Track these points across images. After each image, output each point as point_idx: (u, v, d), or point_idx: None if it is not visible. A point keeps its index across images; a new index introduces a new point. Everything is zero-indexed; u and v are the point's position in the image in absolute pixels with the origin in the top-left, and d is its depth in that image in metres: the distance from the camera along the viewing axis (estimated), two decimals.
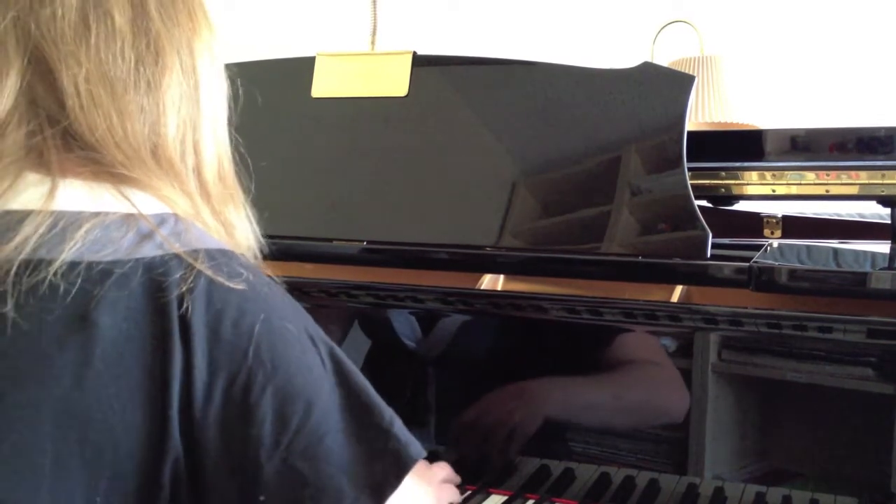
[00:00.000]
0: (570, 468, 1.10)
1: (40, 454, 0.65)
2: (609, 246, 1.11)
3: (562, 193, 1.17)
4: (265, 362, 0.69)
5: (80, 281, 0.67)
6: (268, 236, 1.26)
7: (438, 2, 3.07)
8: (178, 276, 0.68)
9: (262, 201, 1.30)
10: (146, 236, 0.70)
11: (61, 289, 0.67)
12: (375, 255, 1.21)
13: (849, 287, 0.99)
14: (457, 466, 1.14)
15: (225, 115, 0.84)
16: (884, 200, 1.16)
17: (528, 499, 1.11)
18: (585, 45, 2.83)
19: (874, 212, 1.26)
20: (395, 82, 1.26)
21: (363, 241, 1.21)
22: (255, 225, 0.84)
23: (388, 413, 0.74)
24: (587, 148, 1.17)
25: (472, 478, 1.14)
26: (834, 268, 1.01)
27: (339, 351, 0.75)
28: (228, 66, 1.45)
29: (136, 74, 0.75)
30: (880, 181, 1.14)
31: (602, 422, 1.11)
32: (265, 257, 1.28)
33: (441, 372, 1.17)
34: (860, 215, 1.41)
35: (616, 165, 1.15)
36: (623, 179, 1.14)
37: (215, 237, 0.76)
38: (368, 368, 1.21)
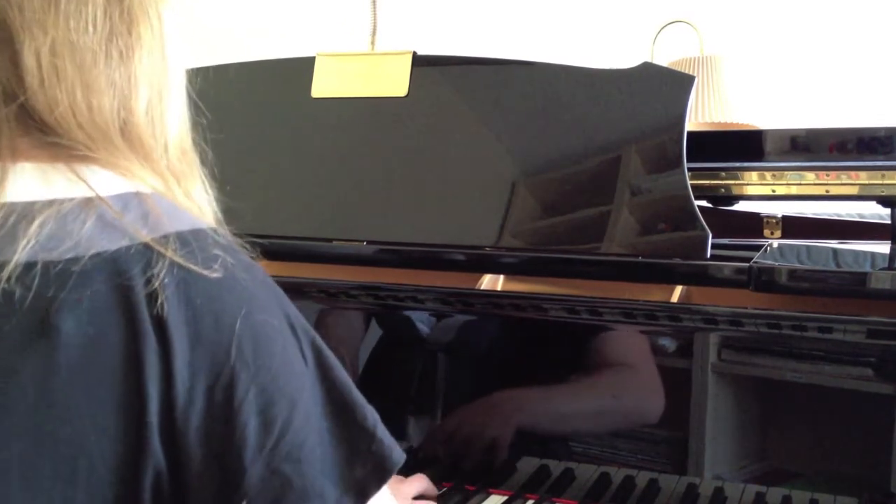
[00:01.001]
0: (570, 468, 1.10)
1: (5, 472, 0.61)
2: (609, 246, 1.11)
3: (562, 193, 1.17)
4: (248, 362, 0.65)
5: (36, 284, 0.62)
6: (268, 236, 1.26)
7: (438, 2, 3.07)
8: (146, 270, 0.63)
9: (263, 201, 1.30)
10: (108, 224, 0.65)
11: (17, 294, 0.61)
12: (375, 256, 1.21)
13: (849, 287, 0.99)
14: (456, 467, 1.14)
15: (184, 83, 0.77)
16: (884, 201, 1.16)
17: (527, 499, 1.11)
18: (585, 45, 2.83)
19: (874, 212, 1.26)
20: (395, 82, 1.26)
21: (363, 241, 1.21)
22: (213, 200, 0.77)
23: (372, 413, 0.71)
24: (587, 148, 1.17)
25: (472, 478, 1.14)
26: (834, 268, 1.01)
27: (320, 341, 0.71)
28: (229, 67, 1.46)
29: (108, 45, 0.69)
30: (880, 181, 1.14)
31: (600, 424, 1.11)
32: (266, 257, 1.29)
33: (440, 372, 1.17)
34: (860, 215, 1.41)
35: (616, 165, 1.15)
36: (623, 179, 1.14)
37: (187, 213, 0.70)
38: (368, 368, 1.21)
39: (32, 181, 0.66)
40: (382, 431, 0.70)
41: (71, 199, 0.65)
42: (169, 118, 0.74)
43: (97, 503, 0.63)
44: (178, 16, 0.75)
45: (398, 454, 0.70)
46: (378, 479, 0.69)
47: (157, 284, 0.63)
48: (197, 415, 0.63)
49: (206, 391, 0.64)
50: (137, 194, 0.68)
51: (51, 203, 0.65)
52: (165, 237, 0.65)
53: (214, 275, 0.65)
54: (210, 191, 0.76)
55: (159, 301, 0.62)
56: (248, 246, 0.72)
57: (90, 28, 0.69)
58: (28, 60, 0.67)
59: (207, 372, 0.64)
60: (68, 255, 0.63)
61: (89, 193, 0.66)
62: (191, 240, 0.66)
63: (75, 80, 0.68)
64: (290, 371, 0.67)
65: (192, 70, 1.46)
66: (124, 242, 0.64)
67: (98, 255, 0.63)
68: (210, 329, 0.64)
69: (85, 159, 0.68)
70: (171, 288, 0.63)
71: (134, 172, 0.69)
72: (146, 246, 0.64)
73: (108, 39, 0.70)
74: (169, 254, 0.64)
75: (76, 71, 0.68)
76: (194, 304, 0.64)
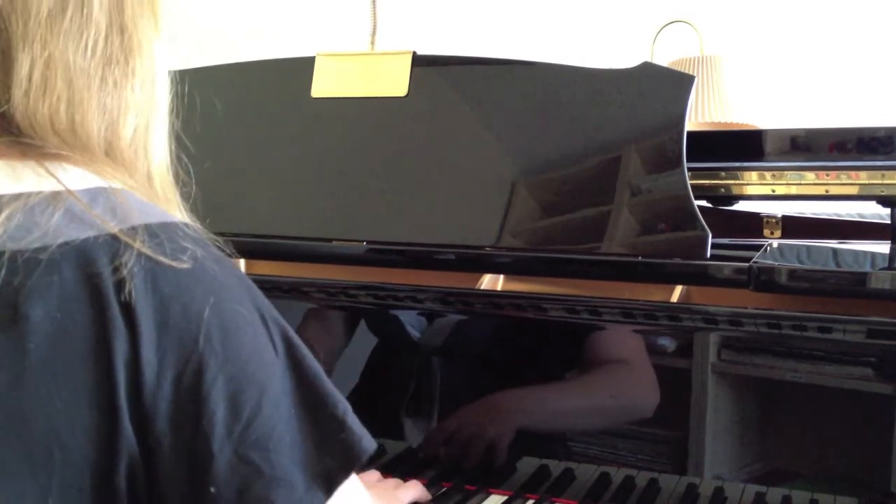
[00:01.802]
0: (570, 468, 1.10)
1: None
2: (609, 246, 1.11)
3: (562, 193, 1.17)
4: (216, 349, 0.65)
5: (3, 273, 0.62)
6: (268, 236, 1.26)
7: (438, 2, 3.07)
8: (114, 258, 0.64)
9: (263, 201, 1.30)
10: (76, 216, 0.65)
11: None
12: (375, 256, 1.21)
13: (849, 287, 0.99)
14: (456, 467, 1.14)
15: (167, 118, 0.79)
16: (884, 200, 1.16)
17: (527, 499, 1.11)
18: (585, 45, 2.83)
19: (874, 212, 1.26)
20: (395, 82, 1.26)
21: (363, 241, 1.21)
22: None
23: (342, 403, 0.71)
24: (587, 148, 1.17)
25: (471, 478, 1.14)
26: (834, 268, 1.01)
27: (291, 332, 0.71)
28: (228, 67, 1.46)
29: (104, 70, 0.71)
30: (880, 181, 1.14)
31: (598, 421, 1.11)
32: (266, 258, 1.29)
33: (440, 372, 1.17)
34: (860, 215, 1.41)
35: (616, 165, 1.15)
36: (623, 179, 1.14)
37: (158, 207, 0.71)
38: (368, 368, 1.21)
39: (1, 176, 0.67)
40: (353, 420, 0.70)
41: (38, 193, 0.66)
42: (153, 149, 0.75)
43: (72, 490, 0.63)
44: (165, 52, 0.77)
45: (368, 442, 0.71)
46: (347, 466, 0.69)
47: (124, 273, 0.63)
48: (165, 401, 0.64)
49: (174, 378, 0.64)
50: (108, 189, 0.68)
51: (18, 196, 0.65)
52: (134, 228, 0.65)
53: (183, 265, 0.66)
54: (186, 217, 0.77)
55: (126, 289, 0.63)
56: (220, 242, 0.72)
57: (89, 51, 0.70)
58: (20, 71, 0.68)
59: (176, 359, 0.64)
60: (36, 245, 0.63)
61: (58, 187, 0.66)
62: (159, 232, 0.67)
63: (62, 96, 0.69)
64: (259, 360, 0.68)
65: (193, 70, 1.47)
66: (92, 233, 0.65)
67: (66, 244, 0.64)
68: (178, 316, 0.65)
69: (57, 157, 0.68)
70: (139, 277, 0.64)
71: (108, 173, 0.70)
72: (114, 237, 0.65)
73: (105, 65, 0.71)
74: (137, 245, 0.64)
75: (65, 87, 0.69)
76: (162, 293, 0.64)
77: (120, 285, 0.63)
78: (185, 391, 0.64)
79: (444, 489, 1.13)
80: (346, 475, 0.69)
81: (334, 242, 1.23)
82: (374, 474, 1.11)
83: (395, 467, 1.17)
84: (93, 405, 0.63)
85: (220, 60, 1.40)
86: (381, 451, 1.18)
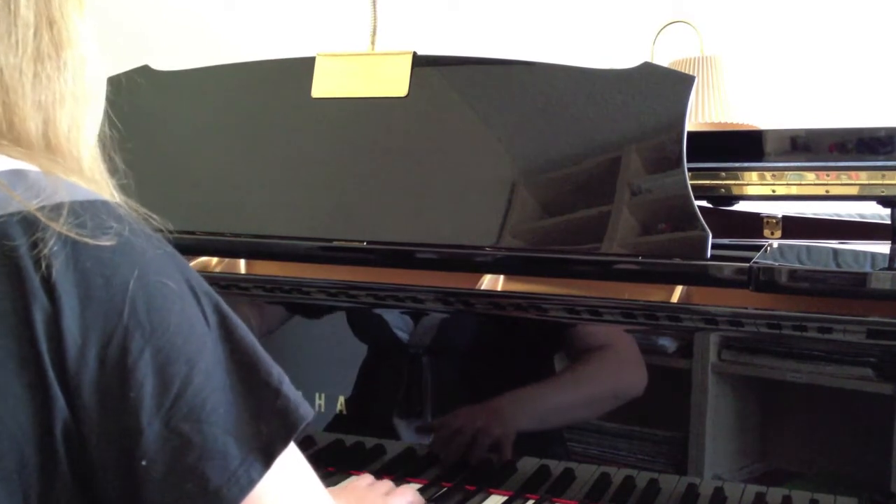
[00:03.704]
0: (570, 468, 1.10)
1: None
2: (609, 246, 1.11)
3: (562, 193, 1.17)
4: (142, 322, 0.64)
5: None
6: (268, 236, 1.26)
7: (438, 2, 3.07)
8: (32, 235, 0.63)
9: (263, 201, 1.30)
10: None
11: None
12: (375, 256, 1.21)
13: (849, 287, 0.99)
14: (456, 467, 1.14)
15: (104, 97, 0.78)
16: (884, 201, 1.16)
17: (528, 499, 1.11)
18: (585, 45, 2.83)
19: (874, 212, 1.26)
20: (395, 82, 1.26)
21: (363, 242, 1.21)
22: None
23: (277, 371, 0.70)
24: (587, 148, 1.17)
25: (472, 478, 1.14)
26: (834, 268, 1.01)
27: (224, 305, 0.70)
28: (228, 67, 1.46)
29: (36, 66, 0.70)
30: (880, 181, 1.14)
31: (595, 409, 1.11)
32: (266, 258, 1.29)
33: (440, 372, 1.17)
34: (860, 215, 1.41)
35: (616, 166, 1.15)
36: (623, 180, 1.14)
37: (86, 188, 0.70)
38: (367, 368, 1.21)
39: None
40: (288, 387, 0.69)
41: None
42: (88, 135, 0.75)
43: (14, 461, 0.63)
44: (95, 39, 0.75)
45: (305, 410, 0.69)
46: (284, 435, 0.68)
47: (45, 250, 0.63)
48: (90, 374, 0.63)
49: (98, 351, 0.64)
50: (31, 172, 0.68)
51: None
52: (59, 206, 0.65)
53: (107, 242, 0.65)
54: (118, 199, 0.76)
55: (45, 264, 0.63)
56: (155, 219, 0.72)
57: (19, 49, 0.69)
58: None
59: (100, 332, 0.64)
60: None
61: None
62: (83, 210, 0.66)
63: None
64: (189, 331, 0.67)
65: (194, 71, 1.47)
66: (10, 209, 0.64)
67: None
68: (100, 290, 0.64)
69: None
70: (59, 252, 0.64)
71: (45, 165, 0.69)
72: (33, 214, 0.64)
73: (36, 60, 0.70)
74: (58, 223, 0.64)
75: (2, 91, 0.68)
76: (84, 267, 0.64)
77: (39, 261, 0.63)
78: (111, 364, 0.64)
79: (444, 489, 1.13)
80: (284, 444, 0.68)
81: (334, 242, 1.23)
82: (366, 478, 1.10)
83: (396, 467, 1.17)
84: (23, 378, 0.63)
85: (220, 60, 1.40)
86: (381, 451, 1.19)
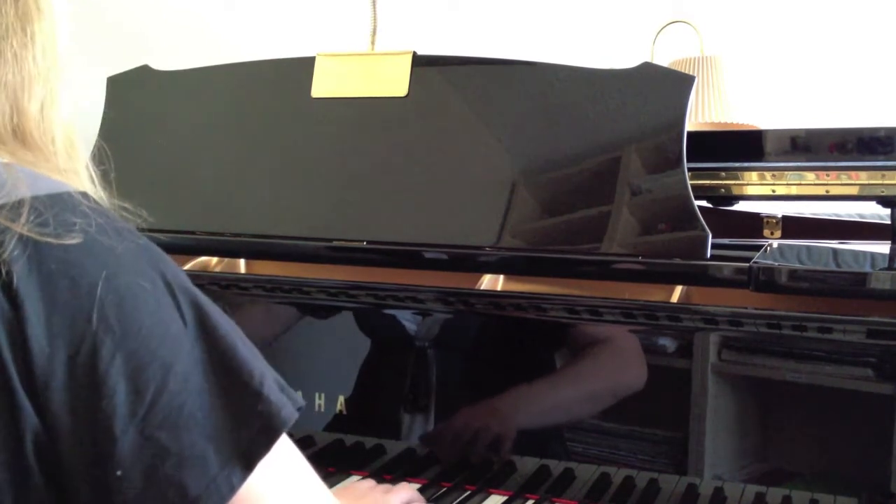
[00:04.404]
0: (570, 468, 1.10)
1: None
2: (609, 246, 1.11)
3: (562, 193, 1.17)
4: (112, 326, 0.61)
5: None
6: (268, 236, 1.26)
7: (438, 2, 3.07)
8: None
9: (263, 201, 1.30)
10: None
11: None
12: (375, 255, 1.21)
13: (849, 287, 0.99)
14: (456, 467, 1.14)
15: (74, 75, 0.73)
16: (884, 201, 1.16)
17: (527, 499, 1.11)
18: (585, 45, 2.83)
19: (874, 212, 1.26)
20: (395, 82, 1.26)
21: (363, 242, 1.21)
22: (101, 195, 0.73)
23: (258, 372, 0.66)
24: (587, 148, 1.17)
25: (472, 478, 1.14)
26: (834, 268, 1.01)
27: (204, 301, 0.66)
28: (228, 67, 1.46)
29: (2, 44, 0.66)
30: (880, 181, 1.14)
31: (595, 406, 1.11)
32: (266, 258, 1.29)
33: (440, 372, 1.17)
34: (860, 215, 1.41)
35: (616, 165, 1.15)
36: (623, 179, 1.14)
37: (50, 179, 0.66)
38: (368, 368, 1.21)
39: None
40: (270, 388, 0.66)
41: None
42: (59, 114, 0.71)
43: None
44: (67, 9, 0.71)
45: (288, 412, 0.66)
46: (266, 440, 0.65)
47: (4, 254, 0.60)
48: (59, 383, 0.60)
49: (67, 360, 0.61)
50: None
51: None
52: (19, 203, 0.62)
53: (71, 241, 0.62)
54: (98, 186, 0.73)
55: (6, 270, 0.60)
56: (130, 208, 0.69)
57: None
58: None
59: (69, 338, 0.61)
60: None
61: None
62: (46, 207, 0.63)
63: None
64: (163, 333, 0.63)
65: (194, 70, 1.47)
66: None
67: None
68: (66, 294, 0.61)
69: None
70: (20, 256, 0.61)
71: (18, 157, 0.66)
72: None
73: (1, 38, 0.67)
74: (18, 224, 0.61)
75: None
76: (48, 270, 0.61)
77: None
78: (81, 372, 0.61)
79: (444, 489, 1.13)
80: (265, 449, 0.65)
81: (334, 242, 1.23)
82: (368, 482, 1.10)
83: (396, 467, 1.17)
84: None
85: (220, 60, 1.40)
86: (381, 450, 1.19)
